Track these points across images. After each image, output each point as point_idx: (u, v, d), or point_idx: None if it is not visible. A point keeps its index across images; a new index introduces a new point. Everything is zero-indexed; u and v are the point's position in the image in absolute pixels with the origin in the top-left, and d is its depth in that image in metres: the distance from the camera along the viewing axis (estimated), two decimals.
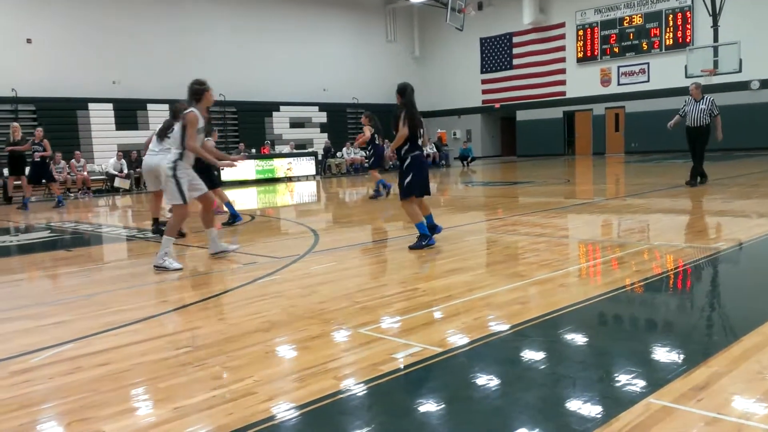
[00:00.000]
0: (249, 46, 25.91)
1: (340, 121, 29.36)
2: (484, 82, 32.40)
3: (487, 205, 11.24)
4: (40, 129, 14.47)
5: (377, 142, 13.03)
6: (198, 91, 6.05)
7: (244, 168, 20.78)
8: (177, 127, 6.17)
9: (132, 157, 19.55)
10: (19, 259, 7.46)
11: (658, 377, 2.76)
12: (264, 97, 26.07)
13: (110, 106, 22.00)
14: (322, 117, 28.58)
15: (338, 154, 25.88)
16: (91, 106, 21.64)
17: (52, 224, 10.63)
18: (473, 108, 32.62)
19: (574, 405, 2.52)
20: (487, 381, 2.83)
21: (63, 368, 3.22)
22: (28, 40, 20.42)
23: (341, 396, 2.73)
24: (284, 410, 2.60)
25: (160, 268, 5.84)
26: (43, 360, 3.35)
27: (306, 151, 24.91)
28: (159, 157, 7.65)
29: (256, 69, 25.86)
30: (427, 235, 6.47)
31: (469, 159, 26.50)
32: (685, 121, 11.55)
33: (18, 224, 11.02)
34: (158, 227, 8.22)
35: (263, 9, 26.63)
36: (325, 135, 27.76)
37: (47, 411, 2.72)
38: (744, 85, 23.63)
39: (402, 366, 3.05)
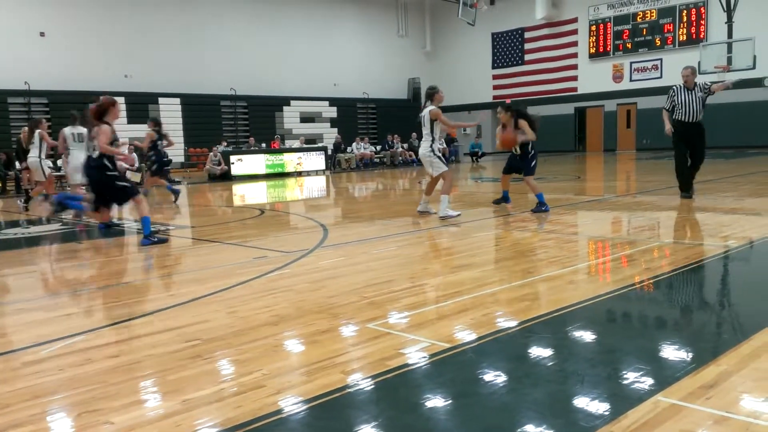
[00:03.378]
0: (260, 41, 25.95)
1: (351, 116, 29.37)
2: (495, 77, 32.29)
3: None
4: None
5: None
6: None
7: (254, 162, 20.85)
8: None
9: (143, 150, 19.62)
10: (30, 251, 7.53)
11: (666, 375, 2.75)
12: (274, 92, 26.12)
13: (122, 99, 22.06)
14: (332, 112, 28.60)
15: (348, 149, 25.90)
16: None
17: (63, 217, 10.70)
18: (484, 103, 32.51)
19: (582, 402, 2.52)
20: (495, 377, 2.83)
21: (74, 360, 3.25)
22: (41, 34, 20.56)
23: (349, 390, 2.74)
24: (292, 404, 2.62)
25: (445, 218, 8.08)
26: (54, 351, 3.39)
27: (316, 146, 24.95)
28: None
29: (268, 63, 25.91)
30: (544, 203, 8.58)
31: (480, 154, 26.44)
32: (676, 116, 9.35)
33: (30, 217, 11.10)
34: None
35: (276, 3, 26.65)
36: (335, 130, 27.79)
37: (58, 402, 2.75)
38: (758, 82, 23.41)
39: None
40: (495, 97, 32.28)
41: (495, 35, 31.90)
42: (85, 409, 2.63)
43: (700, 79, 10.21)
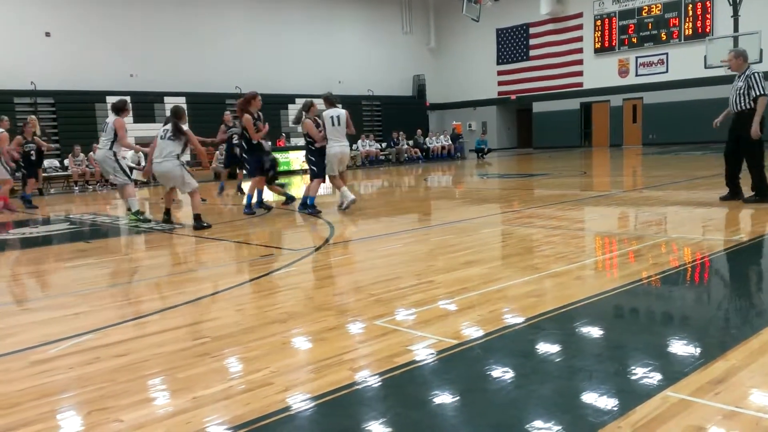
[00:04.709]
0: (265, 39, 25.97)
1: (356, 113, 29.33)
2: (500, 73, 32.21)
3: (503, 198, 11.20)
4: (31, 122, 13.53)
5: None
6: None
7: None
8: None
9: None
10: (38, 251, 7.56)
11: (675, 370, 2.74)
12: (279, 90, 26.12)
13: (127, 99, 22.14)
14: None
15: (353, 146, 25.87)
16: (108, 99, 21.79)
17: (71, 216, 10.76)
18: (489, 99, 32.47)
19: (590, 397, 2.52)
20: (503, 373, 2.83)
21: (82, 358, 3.27)
22: (47, 34, 20.62)
23: (357, 387, 2.75)
24: (300, 401, 2.62)
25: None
26: (63, 350, 3.41)
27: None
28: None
29: (272, 61, 25.93)
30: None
31: (485, 151, 26.40)
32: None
33: (37, 216, 11.16)
34: (169, 218, 8.50)
35: (279, 1, 26.65)
36: None
37: (67, 401, 2.76)
38: (766, 76, 23.23)
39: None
40: (500, 93, 32.22)
41: (500, 31, 31.82)
42: (94, 407, 2.65)
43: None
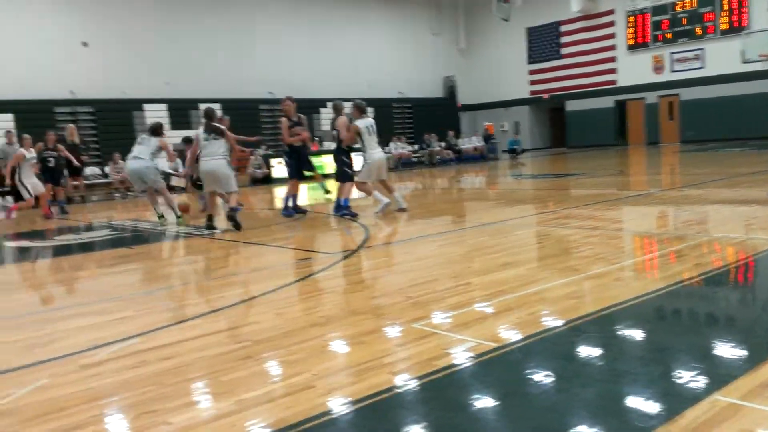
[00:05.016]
0: (296, 43, 26.21)
1: (386, 115, 29.37)
2: (531, 72, 31.89)
3: (538, 198, 11.10)
4: (52, 133, 13.98)
5: None
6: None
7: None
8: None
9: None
10: (83, 257, 7.76)
11: (722, 373, 2.69)
12: (310, 94, 26.31)
13: (164, 106, 22.61)
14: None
15: (385, 149, 25.90)
16: (145, 107, 22.29)
17: (112, 223, 11.01)
18: (521, 99, 32.15)
19: (636, 401, 2.48)
20: (544, 377, 2.81)
21: (129, 362, 3.35)
22: (85, 44, 21.14)
23: (397, 391, 2.76)
24: (341, 404, 2.64)
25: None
26: (110, 354, 3.49)
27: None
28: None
29: (303, 66, 26.12)
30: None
31: (519, 151, 26.17)
32: None
33: (79, 223, 11.44)
34: (212, 223, 8.57)
35: (309, 5, 26.87)
36: None
37: (116, 404, 2.83)
38: None
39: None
40: (532, 93, 31.90)
41: (530, 30, 31.51)
42: (143, 410, 2.71)
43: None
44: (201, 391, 2.93)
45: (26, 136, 12.27)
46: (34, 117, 19.31)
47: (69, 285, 5.99)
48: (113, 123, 21.35)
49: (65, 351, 3.57)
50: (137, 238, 9.08)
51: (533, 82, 31.93)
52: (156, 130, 9.72)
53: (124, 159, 18.93)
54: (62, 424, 2.63)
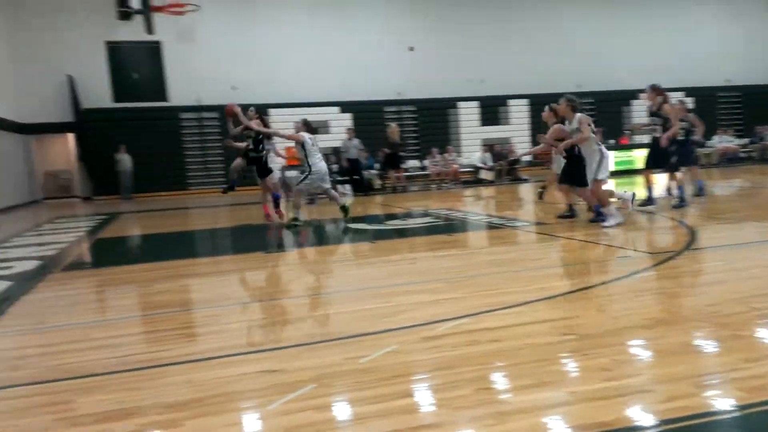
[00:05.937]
0: (606, 35, 25.05)
1: (710, 105, 26.26)
2: None
3: None
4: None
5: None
6: None
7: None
8: None
9: (495, 150, 20.86)
10: (410, 240, 8.58)
11: None
12: (619, 86, 24.80)
13: (476, 103, 23.74)
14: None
15: (708, 143, 23.16)
16: (459, 104, 23.68)
17: (430, 211, 11.96)
18: None
19: None
20: None
21: (462, 339, 3.62)
22: (411, 48, 23.25)
23: (752, 410, 2.49)
24: (686, 415, 2.49)
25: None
26: (446, 330, 3.82)
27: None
28: None
29: (613, 57, 24.74)
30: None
31: None
32: None
33: (402, 210, 12.67)
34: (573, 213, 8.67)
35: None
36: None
37: (455, 375, 3.08)
38: None
39: None
40: None
41: None
42: (480, 385, 2.91)
43: None
44: (532, 375, 3.01)
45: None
46: (367, 116, 22.12)
47: (403, 264, 6.67)
48: (431, 120, 23.26)
49: (408, 323, 4.01)
50: (452, 226, 9.71)
51: None
52: (310, 126, 10.16)
53: (441, 153, 20.44)
54: (412, 386, 2.98)
